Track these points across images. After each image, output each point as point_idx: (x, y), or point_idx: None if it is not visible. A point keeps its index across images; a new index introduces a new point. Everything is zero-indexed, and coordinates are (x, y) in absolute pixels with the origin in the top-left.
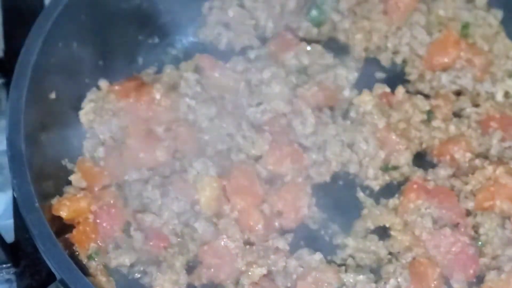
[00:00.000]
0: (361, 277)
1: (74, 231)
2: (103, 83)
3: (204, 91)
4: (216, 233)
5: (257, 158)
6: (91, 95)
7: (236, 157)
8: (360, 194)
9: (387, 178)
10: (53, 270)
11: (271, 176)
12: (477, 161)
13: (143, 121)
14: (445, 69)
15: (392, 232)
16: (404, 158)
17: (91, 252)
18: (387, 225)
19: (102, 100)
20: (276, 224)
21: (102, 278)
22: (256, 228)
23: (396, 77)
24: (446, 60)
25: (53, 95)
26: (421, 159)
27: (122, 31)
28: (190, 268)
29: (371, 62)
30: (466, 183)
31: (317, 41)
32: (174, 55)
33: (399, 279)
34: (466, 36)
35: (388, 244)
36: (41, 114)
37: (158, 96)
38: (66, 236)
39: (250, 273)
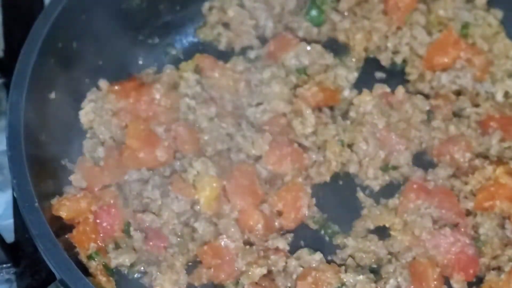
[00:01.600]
0: (361, 277)
1: (74, 231)
2: (103, 83)
3: (204, 91)
4: (216, 233)
5: (257, 158)
6: (91, 95)
7: (236, 157)
8: (360, 194)
9: (387, 178)
10: (53, 270)
11: (271, 176)
12: (477, 161)
13: (143, 121)
14: (445, 69)
15: (392, 232)
16: (404, 158)
17: (91, 252)
18: (387, 225)
19: (102, 100)
20: (276, 224)
21: (102, 278)
22: (256, 228)
23: (396, 77)
24: (446, 60)
25: (53, 95)
26: (421, 159)
27: (122, 31)
28: (190, 268)
29: (371, 62)
30: (466, 183)
31: (317, 41)
32: (174, 55)
33: (399, 279)
34: (466, 36)
35: (388, 244)
36: (41, 114)
37: (158, 96)
38: (66, 236)
39: (250, 273)
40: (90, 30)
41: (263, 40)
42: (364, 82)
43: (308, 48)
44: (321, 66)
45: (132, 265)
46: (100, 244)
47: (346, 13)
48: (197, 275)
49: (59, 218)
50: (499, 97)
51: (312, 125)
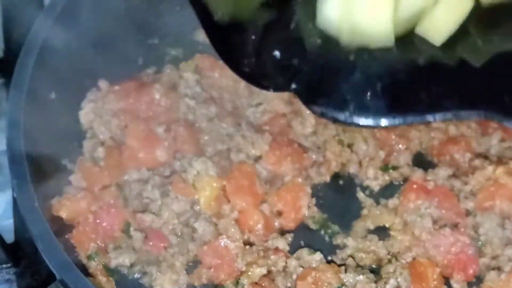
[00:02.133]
0: (361, 277)
1: (74, 231)
2: (103, 83)
3: (204, 91)
4: (216, 233)
5: (257, 158)
6: (91, 95)
7: (236, 157)
8: (360, 194)
9: (387, 178)
10: (53, 270)
11: (271, 176)
12: (477, 161)
13: (143, 121)
14: None
15: (392, 232)
16: (404, 158)
17: (91, 252)
18: (387, 225)
19: (102, 100)
20: (276, 224)
21: (102, 278)
22: (256, 228)
23: None
24: None
25: (53, 95)
26: (421, 159)
27: (122, 31)
28: (190, 268)
29: None
30: (466, 183)
31: None
32: (174, 55)
33: (399, 279)
34: None
35: (388, 244)
36: (41, 114)
37: (158, 96)
38: (66, 236)
39: (250, 273)
40: (90, 30)
41: None
42: None
43: None
44: None
45: (132, 265)
46: (100, 244)
47: None
48: (197, 275)
49: (59, 218)
50: None
51: (312, 125)
